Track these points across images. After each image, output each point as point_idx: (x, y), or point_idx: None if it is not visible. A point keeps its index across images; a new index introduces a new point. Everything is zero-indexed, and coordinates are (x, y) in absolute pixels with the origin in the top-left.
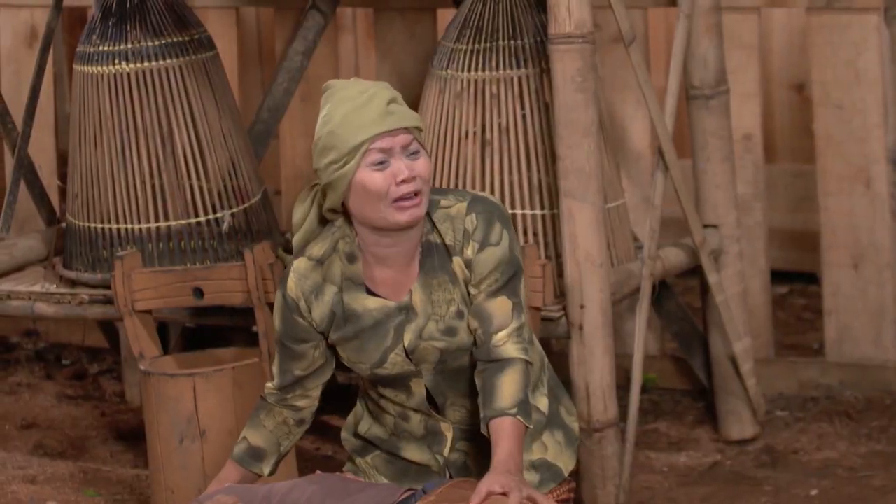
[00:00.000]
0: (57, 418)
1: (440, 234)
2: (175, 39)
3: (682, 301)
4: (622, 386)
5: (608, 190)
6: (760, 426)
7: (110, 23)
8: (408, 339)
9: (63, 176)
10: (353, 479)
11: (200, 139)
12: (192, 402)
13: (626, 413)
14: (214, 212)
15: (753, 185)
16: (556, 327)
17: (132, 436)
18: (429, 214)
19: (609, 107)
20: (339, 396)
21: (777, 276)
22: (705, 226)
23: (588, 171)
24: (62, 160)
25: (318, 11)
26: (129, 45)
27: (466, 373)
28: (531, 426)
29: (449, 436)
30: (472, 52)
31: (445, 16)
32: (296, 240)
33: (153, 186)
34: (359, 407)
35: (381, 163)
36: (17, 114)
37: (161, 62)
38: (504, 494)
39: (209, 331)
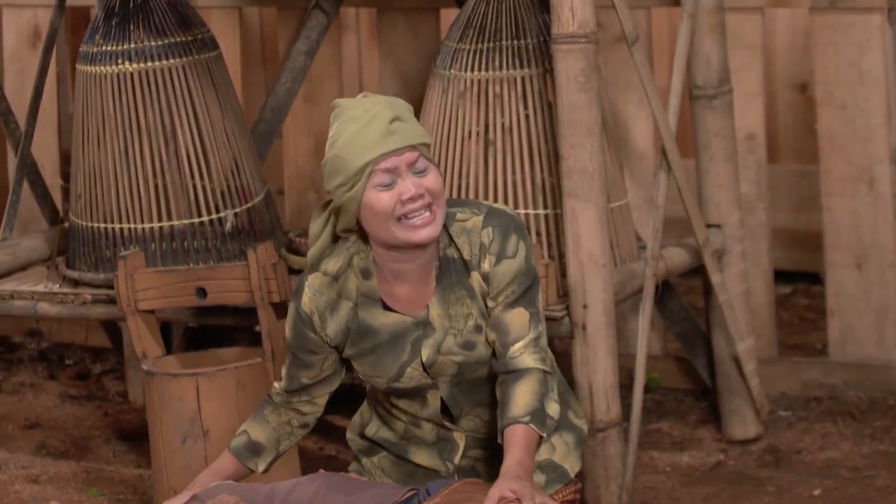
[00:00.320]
0: (60, 418)
1: (458, 249)
2: (178, 39)
3: (685, 301)
4: (625, 386)
5: (611, 190)
6: (763, 426)
7: (113, 22)
8: (426, 354)
9: (66, 176)
10: (357, 479)
11: (203, 139)
12: (195, 402)
13: (629, 413)
14: (217, 212)
15: (756, 185)
16: (559, 327)
17: (135, 436)
18: (446, 228)
19: (612, 107)
20: (343, 396)
21: (780, 276)
22: (708, 226)
23: (591, 171)
24: (65, 160)
25: (321, 11)
26: (132, 45)
27: (483, 384)
28: (545, 434)
29: (461, 444)
30: (475, 51)
31: (449, 15)
32: (310, 253)
33: (156, 186)
34: (366, 408)
35: (388, 183)
36: (21, 113)
37: (164, 62)
38: (517, 500)
39: (212, 331)
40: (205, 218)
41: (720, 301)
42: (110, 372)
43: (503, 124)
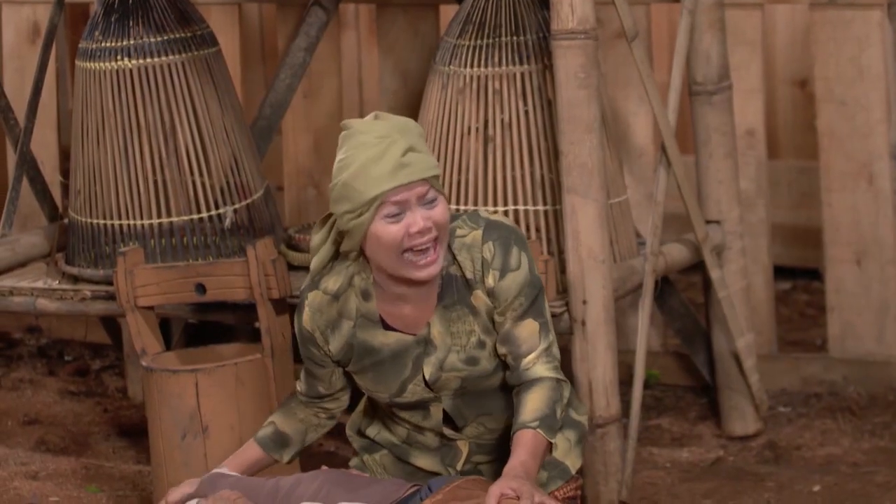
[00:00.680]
0: (59, 414)
1: (460, 267)
2: (177, 35)
3: (684, 297)
4: (625, 382)
5: (611, 186)
6: (763, 422)
7: (112, 19)
8: (428, 371)
9: (65, 172)
10: (359, 475)
11: (203, 135)
12: (195, 399)
13: (628, 409)
14: (217, 208)
15: (756, 182)
16: (558, 323)
17: (134, 432)
18: (448, 245)
19: (612, 103)
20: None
21: (780, 273)
22: (708, 222)
23: (591, 168)
24: (64, 156)
25: (320, 7)
26: (132, 42)
27: (487, 394)
28: (554, 441)
29: (465, 451)
30: (474, 48)
31: (448, 12)
32: (312, 266)
33: (155, 183)
34: (366, 406)
35: (397, 214)
36: (20, 110)
37: (163, 58)
38: (516, 498)
39: (211, 327)
40: (204, 214)
41: (720, 297)
42: (110, 368)
43: (502, 120)
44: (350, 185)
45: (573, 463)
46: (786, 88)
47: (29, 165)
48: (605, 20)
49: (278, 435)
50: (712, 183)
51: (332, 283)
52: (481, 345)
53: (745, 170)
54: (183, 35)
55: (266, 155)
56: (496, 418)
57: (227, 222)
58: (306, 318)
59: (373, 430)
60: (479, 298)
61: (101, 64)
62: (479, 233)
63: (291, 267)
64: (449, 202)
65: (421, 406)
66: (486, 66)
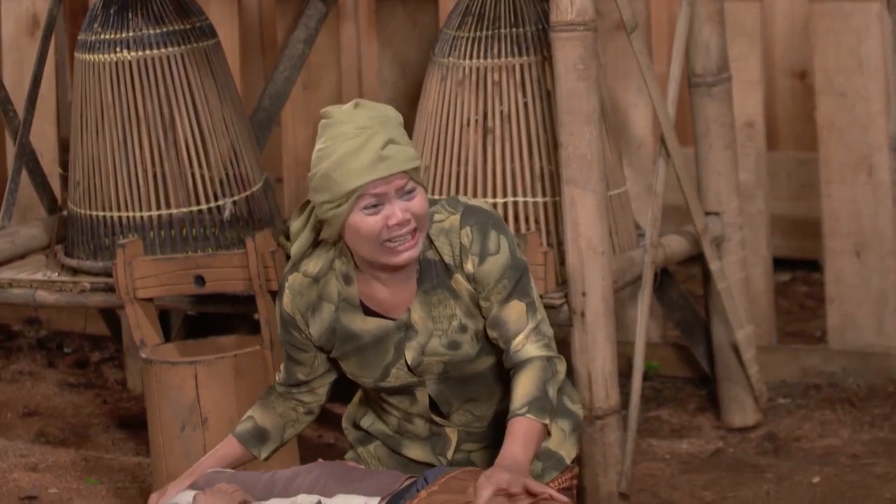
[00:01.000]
0: (58, 406)
1: (437, 251)
2: (176, 27)
3: (684, 288)
4: (624, 373)
5: (610, 178)
6: (763, 414)
7: (112, 11)
8: (410, 356)
9: (65, 164)
10: (355, 467)
11: (202, 127)
12: (194, 390)
13: (627, 400)
14: (216, 200)
15: (755, 173)
16: (557, 315)
17: (134, 424)
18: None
19: (611, 94)
20: (342, 384)
21: (779, 264)
22: (707, 213)
23: (590, 159)
24: (64, 148)
25: None
26: (131, 34)
27: (471, 380)
28: (546, 420)
29: (454, 439)
30: (473, 39)
31: (447, 3)
32: (293, 251)
33: (155, 174)
34: (360, 398)
35: (375, 205)
36: (19, 102)
37: (162, 50)
38: (507, 496)
39: (211, 318)
40: (203, 206)
41: (719, 289)
42: (109, 360)
43: (502, 112)
44: (329, 175)
45: (568, 453)
46: (785, 80)
47: (28, 157)
48: (604, 11)
49: (258, 430)
50: (712, 174)
51: (313, 266)
52: (463, 329)
53: (744, 161)
54: (182, 27)
55: (265, 147)
56: (483, 405)
57: (227, 214)
58: (286, 300)
59: (366, 421)
60: (460, 282)
61: (101, 56)
62: (457, 217)
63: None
64: (448, 194)
65: (407, 391)
66: (485, 57)
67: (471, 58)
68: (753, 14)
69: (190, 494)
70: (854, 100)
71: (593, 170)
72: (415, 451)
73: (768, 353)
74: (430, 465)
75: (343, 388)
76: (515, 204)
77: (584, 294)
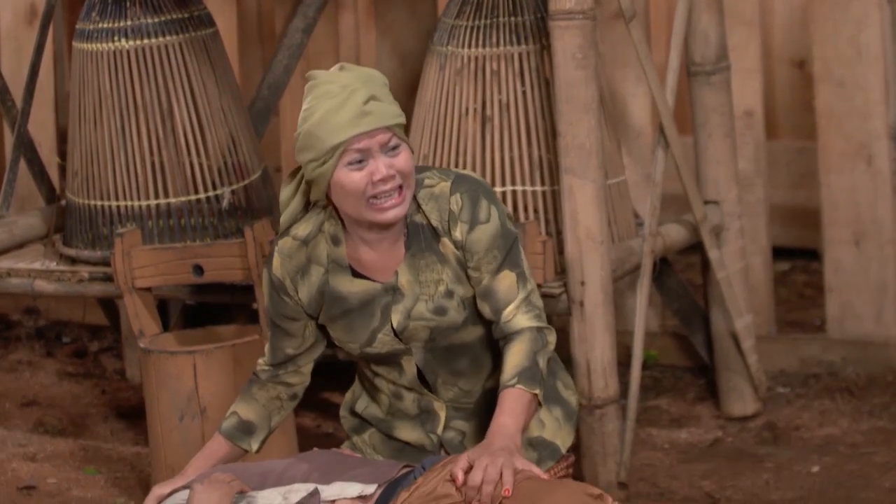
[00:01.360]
0: (57, 396)
1: (425, 215)
2: (175, 16)
3: (683, 278)
4: (623, 363)
5: (609, 166)
6: (762, 403)
7: (110, 0)
8: (396, 319)
9: (63, 153)
10: (351, 455)
11: (200, 116)
12: (193, 380)
13: (626, 390)
14: (214, 189)
15: (754, 162)
16: (556, 304)
17: (132, 413)
18: (413, 195)
19: (610, 83)
20: (340, 373)
21: (778, 253)
22: (706, 202)
23: (588, 148)
24: (62, 138)
25: None
26: (129, 22)
27: (457, 352)
28: (537, 390)
29: (442, 414)
30: (472, 28)
31: None
32: (282, 219)
33: (153, 164)
34: (356, 385)
35: (360, 161)
36: (17, 91)
37: (161, 39)
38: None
39: (209, 308)
40: (202, 195)
41: (718, 278)
42: (108, 350)
43: (500, 101)
44: (313, 133)
45: (563, 442)
46: (784, 69)
47: (26, 147)
48: (603, 0)
49: (242, 424)
50: (710, 163)
51: (303, 229)
52: (449, 294)
53: (743, 150)
54: (180, 16)
55: (264, 136)
56: (470, 380)
57: (225, 203)
58: (276, 265)
59: (361, 405)
60: (447, 246)
61: (99, 45)
62: (448, 184)
63: None
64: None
65: (393, 360)
66: (483, 46)
67: (469, 47)
68: (752, 2)
69: (187, 493)
70: (853, 89)
71: (592, 159)
72: (406, 432)
73: (767, 343)
74: (423, 447)
75: (342, 380)
76: (514, 193)
77: (582, 283)
